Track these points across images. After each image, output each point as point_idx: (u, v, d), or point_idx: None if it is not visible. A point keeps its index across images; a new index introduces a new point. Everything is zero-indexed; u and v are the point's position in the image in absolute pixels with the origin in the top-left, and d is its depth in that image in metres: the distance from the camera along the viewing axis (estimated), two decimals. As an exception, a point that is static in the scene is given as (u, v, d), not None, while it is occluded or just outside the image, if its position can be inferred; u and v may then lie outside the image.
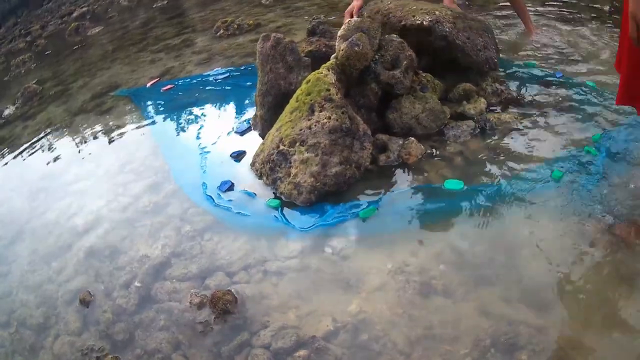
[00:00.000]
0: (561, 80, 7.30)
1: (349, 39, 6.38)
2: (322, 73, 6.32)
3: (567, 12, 9.68)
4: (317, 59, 7.04)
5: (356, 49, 6.30)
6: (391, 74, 6.56)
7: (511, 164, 5.93)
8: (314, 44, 7.76)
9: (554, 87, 7.18)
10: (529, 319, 4.20)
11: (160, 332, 4.85)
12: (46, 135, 10.17)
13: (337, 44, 6.63)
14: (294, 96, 6.39)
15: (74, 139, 9.52)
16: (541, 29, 8.78)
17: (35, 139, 10.08)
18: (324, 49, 7.56)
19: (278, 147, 6.12)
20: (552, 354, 3.94)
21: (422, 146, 6.33)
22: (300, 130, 6.00)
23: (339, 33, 6.64)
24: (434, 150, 6.35)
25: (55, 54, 18.04)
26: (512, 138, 6.33)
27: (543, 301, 4.31)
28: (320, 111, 5.99)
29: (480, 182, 5.77)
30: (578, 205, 5.13)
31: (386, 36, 6.89)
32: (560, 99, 6.88)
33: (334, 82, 6.21)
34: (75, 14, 23.33)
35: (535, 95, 7.08)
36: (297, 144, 5.97)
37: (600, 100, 6.61)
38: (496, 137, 6.36)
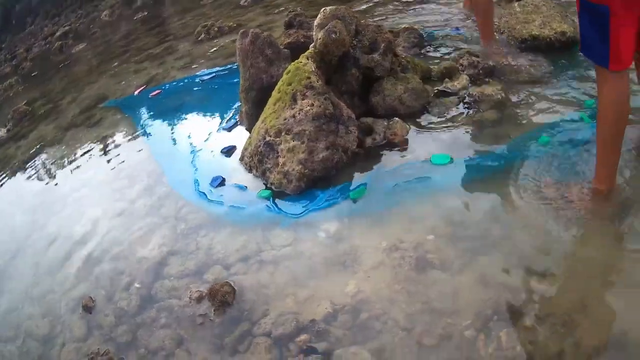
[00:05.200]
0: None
1: (326, 27, 6.40)
2: (301, 62, 6.39)
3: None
4: (297, 50, 7.10)
5: (333, 36, 6.34)
6: (370, 57, 6.62)
7: (498, 135, 5.98)
8: (292, 36, 7.88)
9: (536, 55, 7.20)
10: (530, 286, 4.22)
11: (162, 329, 4.89)
12: (39, 152, 10.24)
13: (314, 33, 6.66)
14: (276, 87, 6.47)
15: (67, 153, 9.60)
16: None
17: (29, 157, 10.14)
18: (302, 40, 7.69)
19: (264, 138, 6.17)
20: (557, 319, 3.93)
21: (407, 125, 6.38)
22: (285, 119, 6.06)
23: (316, 22, 6.69)
24: (419, 128, 6.39)
25: (42, 74, 18.13)
26: (497, 110, 6.35)
27: (543, 268, 4.32)
28: (303, 99, 6.05)
29: (467, 155, 5.80)
30: (568, 170, 5.15)
31: (362, 21, 6.95)
32: (545, 68, 6.90)
33: (314, 70, 6.26)
34: (58, 34, 23.39)
35: (518, 65, 7.09)
36: (283, 133, 6.03)
37: (586, 67, 6.60)
38: (481, 110, 6.40)
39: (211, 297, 4.88)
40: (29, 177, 9.31)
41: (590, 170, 4.92)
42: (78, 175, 8.51)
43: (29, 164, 9.87)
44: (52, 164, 9.47)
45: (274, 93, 6.45)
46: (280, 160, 5.97)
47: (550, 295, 4.12)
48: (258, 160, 6.24)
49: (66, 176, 8.66)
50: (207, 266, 5.36)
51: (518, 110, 6.29)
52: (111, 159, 8.46)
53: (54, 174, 9.02)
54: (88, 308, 5.40)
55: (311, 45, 6.64)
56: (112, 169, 8.13)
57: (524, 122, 6.09)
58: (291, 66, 6.46)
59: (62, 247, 6.57)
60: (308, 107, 5.96)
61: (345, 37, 6.48)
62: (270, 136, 6.12)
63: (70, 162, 9.11)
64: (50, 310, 5.70)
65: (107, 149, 8.87)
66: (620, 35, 4.19)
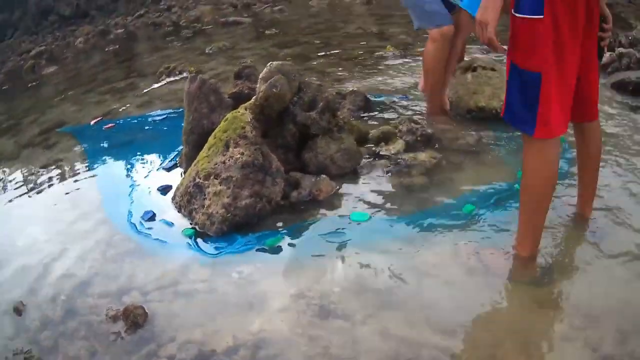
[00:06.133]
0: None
1: (269, 81, 6.68)
2: (239, 112, 6.66)
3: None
4: (240, 100, 7.32)
5: (274, 90, 6.60)
6: (307, 115, 6.84)
7: (422, 199, 6.23)
8: (238, 86, 8.07)
9: (480, 126, 7.61)
10: (433, 342, 4.30)
11: (80, 340, 5.10)
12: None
13: (258, 85, 6.92)
14: (213, 133, 6.71)
15: (20, 171, 9.84)
16: None
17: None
18: (246, 91, 7.88)
19: (194, 180, 6.41)
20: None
21: (334, 183, 6.66)
22: (215, 164, 6.30)
23: (261, 75, 6.94)
24: (345, 188, 6.70)
25: (12, 89, 18.35)
26: (427, 176, 6.62)
27: (449, 326, 4.43)
28: (235, 147, 6.29)
29: (387, 215, 6.10)
30: (488, 237, 5.44)
31: (306, 79, 7.22)
32: (485, 138, 7.29)
33: (249, 120, 6.52)
34: (33, 52, 23.64)
35: (459, 134, 7.49)
36: (212, 177, 6.27)
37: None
38: (411, 175, 6.68)
39: (124, 316, 5.14)
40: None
41: (512, 236, 5.16)
42: (26, 192, 8.80)
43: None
44: (4, 178, 9.72)
45: (210, 139, 6.69)
46: (206, 202, 6.21)
47: (455, 352, 4.21)
48: (187, 200, 6.49)
49: (15, 192, 8.91)
50: (126, 290, 5.61)
51: (448, 178, 6.56)
52: (58, 182, 8.77)
53: (3, 188, 9.29)
54: (18, 311, 5.65)
55: (254, 97, 6.89)
56: (57, 191, 8.44)
57: (452, 189, 6.35)
58: (229, 115, 6.72)
59: (2, 255, 6.86)
60: (238, 155, 6.22)
61: (287, 92, 6.75)
62: (200, 178, 6.37)
63: (21, 180, 9.37)
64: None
65: (57, 172, 9.16)
66: (551, 101, 4.19)
